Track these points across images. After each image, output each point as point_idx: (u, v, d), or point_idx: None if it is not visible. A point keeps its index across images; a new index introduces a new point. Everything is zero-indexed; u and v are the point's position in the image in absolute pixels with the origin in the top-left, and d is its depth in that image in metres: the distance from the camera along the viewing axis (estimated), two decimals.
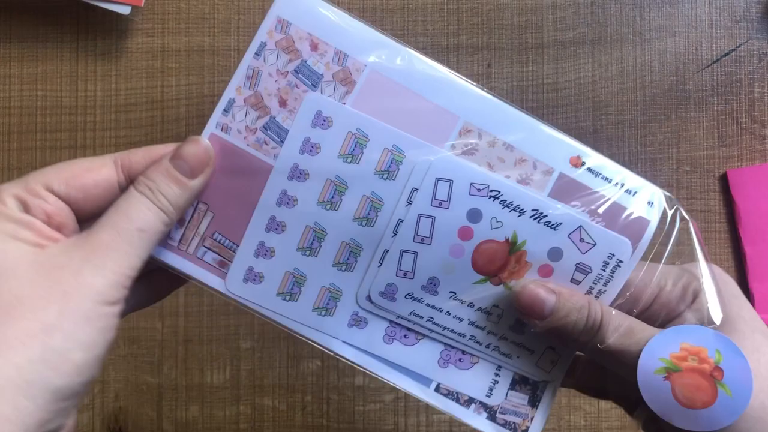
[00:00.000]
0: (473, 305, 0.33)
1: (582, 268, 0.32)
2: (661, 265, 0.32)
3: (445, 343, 0.33)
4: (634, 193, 0.32)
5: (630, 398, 0.33)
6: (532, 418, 0.34)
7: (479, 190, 0.32)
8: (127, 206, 0.28)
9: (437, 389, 0.33)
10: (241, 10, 0.49)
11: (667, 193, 0.33)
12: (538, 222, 0.32)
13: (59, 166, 0.30)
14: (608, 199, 0.32)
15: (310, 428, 0.48)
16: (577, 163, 0.32)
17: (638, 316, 0.32)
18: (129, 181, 0.30)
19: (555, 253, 0.32)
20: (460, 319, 0.33)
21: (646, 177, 0.33)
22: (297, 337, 0.33)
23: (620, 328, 0.31)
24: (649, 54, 0.49)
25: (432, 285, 0.33)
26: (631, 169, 0.33)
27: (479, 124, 0.32)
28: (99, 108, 0.48)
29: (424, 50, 0.36)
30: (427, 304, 0.33)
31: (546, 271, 0.32)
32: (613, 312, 0.31)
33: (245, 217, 0.32)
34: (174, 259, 0.32)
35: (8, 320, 0.25)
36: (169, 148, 0.30)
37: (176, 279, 0.33)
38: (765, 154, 0.49)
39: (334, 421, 0.48)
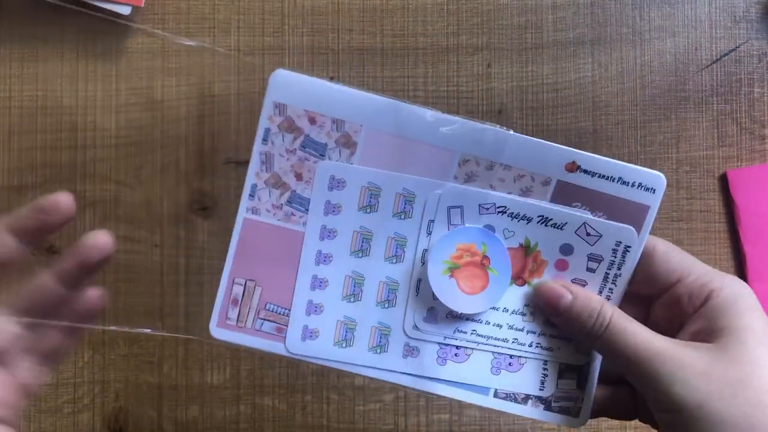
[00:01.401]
0: (507, 309, 0.37)
1: (594, 258, 0.36)
2: (691, 257, 0.35)
3: (492, 352, 0.37)
4: (632, 184, 0.35)
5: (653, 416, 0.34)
6: (582, 399, 0.37)
7: (487, 208, 0.36)
8: None
9: (496, 395, 0.37)
10: (242, 10, 0.49)
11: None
12: (545, 225, 0.36)
13: None
14: (607, 194, 0.35)
15: (311, 428, 0.48)
16: (573, 167, 0.35)
17: (653, 300, 0.35)
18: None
19: (566, 249, 0.36)
20: (500, 326, 0.36)
21: (647, 165, 0.35)
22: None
23: (622, 332, 0.33)
24: (649, 54, 0.49)
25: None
26: (630, 161, 0.35)
27: (475, 152, 0.35)
28: (99, 108, 0.48)
29: (415, 102, 0.36)
30: (468, 319, 0.36)
31: (562, 265, 0.36)
32: (622, 316, 0.34)
33: (290, 282, 0.36)
34: (235, 337, 0.36)
35: None
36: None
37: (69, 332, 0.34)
38: (765, 154, 0.49)
39: (334, 421, 0.48)
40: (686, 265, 0.35)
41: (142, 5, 0.47)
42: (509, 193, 0.36)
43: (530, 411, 0.37)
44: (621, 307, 0.36)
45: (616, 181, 0.35)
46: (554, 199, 0.36)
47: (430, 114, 0.35)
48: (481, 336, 0.37)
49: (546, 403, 0.37)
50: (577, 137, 0.49)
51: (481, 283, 0.36)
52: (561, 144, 0.49)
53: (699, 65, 0.49)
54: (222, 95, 0.49)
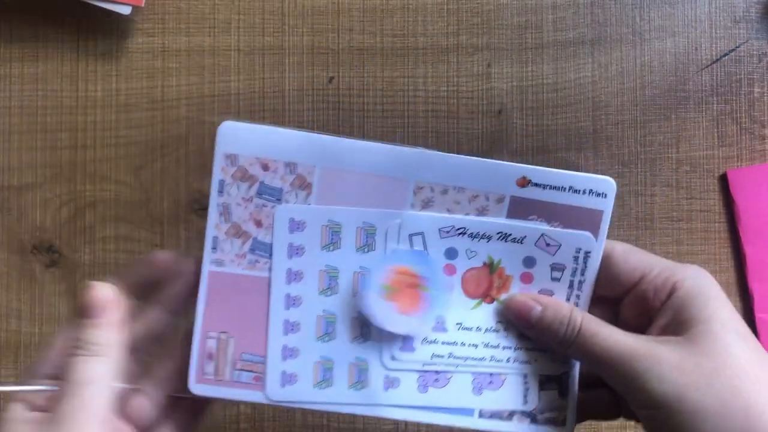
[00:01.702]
0: (480, 328, 0.37)
1: (557, 267, 0.36)
2: (651, 255, 0.36)
3: (471, 372, 0.36)
4: (583, 192, 0.36)
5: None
6: (566, 407, 0.37)
7: (447, 231, 0.36)
8: (71, 370, 0.32)
9: (481, 415, 0.36)
10: (242, 10, 0.49)
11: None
12: (505, 241, 0.36)
13: None
14: (560, 204, 0.36)
15: (311, 428, 0.48)
16: (524, 182, 0.36)
17: (621, 301, 0.36)
18: None
19: (529, 261, 0.36)
20: (475, 346, 0.36)
21: (595, 172, 0.37)
22: None
23: (594, 336, 0.33)
24: (649, 54, 0.49)
25: (440, 324, 0.36)
26: (581, 169, 0.38)
27: (428, 179, 0.36)
28: (100, 108, 0.49)
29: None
30: (443, 342, 0.36)
31: (527, 278, 0.37)
32: (592, 320, 0.34)
33: (262, 329, 0.36)
34: (214, 390, 0.36)
35: None
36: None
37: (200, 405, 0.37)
38: (765, 154, 0.49)
39: (334, 421, 0.48)
40: (648, 261, 0.35)
41: (143, 5, 0.47)
42: (466, 214, 0.36)
43: (516, 427, 0.37)
44: (590, 310, 0.36)
45: (567, 190, 0.36)
46: (511, 215, 0.36)
47: (378, 147, 0.35)
48: (459, 358, 0.36)
49: (531, 417, 0.37)
50: (577, 137, 0.49)
51: (420, 304, 0.36)
52: (562, 144, 0.49)
53: (699, 65, 0.49)
54: (222, 95, 0.49)
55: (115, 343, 0.33)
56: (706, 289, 0.34)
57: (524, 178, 0.36)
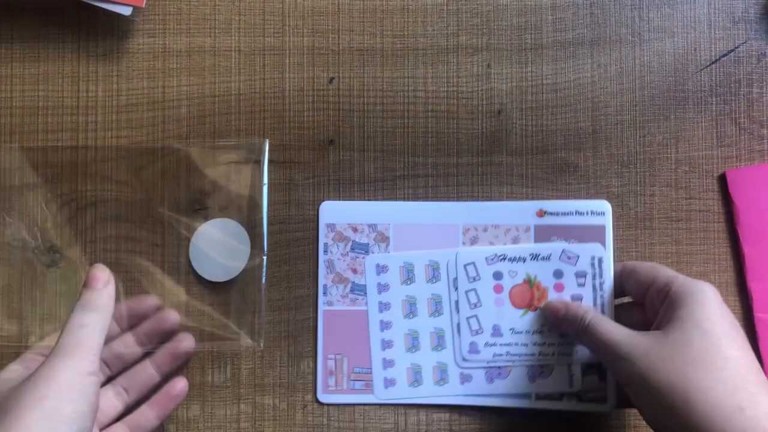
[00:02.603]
0: (528, 331, 0.47)
1: (580, 274, 0.47)
2: (669, 269, 0.43)
3: (526, 366, 0.47)
4: (587, 213, 0.47)
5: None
6: (605, 388, 0.47)
7: (492, 259, 0.47)
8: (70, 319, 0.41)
9: (536, 398, 0.47)
10: (242, 11, 0.49)
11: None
12: (537, 261, 0.47)
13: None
14: (572, 225, 0.47)
15: (311, 427, 0.48)
16: (541, 214, 0.47)
17: (636, 304, 0.45)
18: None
19: (558, 273, 0.47)
20: (526, 345, 0.47)
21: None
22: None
23: (596, 328, 0.42)
24: (648, 55, 0.49)
25: (496, 330, 0.47)
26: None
27: (472, 222, 0.48)
28: (101, 108, 0.49)
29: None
30: (501, 344, 0.47)
31: (559, 287, 0.47)
32: (597, 317, 0.43)
33: (366, 348, 0.48)
34: (337, 398, 0.48)
35: (19, 403, 0.36)
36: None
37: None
38: (763, 154, 0.49)
39: (334, 420, 0.48)
40: (659, 272, 0.43)
41: (143, 6, 0.47)
42: (504, 244, 0.47)
43: (566, 405, 0.47)
44: (625, 312, 0.46)
45: (574, 214, 0.47)
46: (537, 240, 0.47)
47: (432, 204, 0.48)
48: (514, 355, 0.47)
49: (578, 397, 0.47)
50: (577, 137, 0.49)
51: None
52: (561, 144, 0.49)
53: (698, 66, 0.49)
54: (223, 96, 0.49)
55: (106, 306, 0.41)
56: (690, 294, 0.40)
57: (541, 210, 0.47)
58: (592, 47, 0.49)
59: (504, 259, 0.47)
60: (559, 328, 0.46)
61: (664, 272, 0.42)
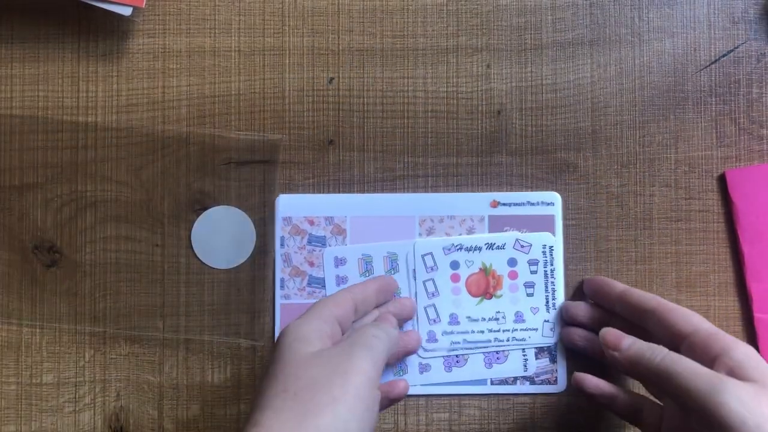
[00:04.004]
0: (485, 318, 0.48)
1: (533, 262, 0.48)
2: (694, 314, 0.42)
3: (482, 352, 0.48)
4: (537, 203, 0.48)
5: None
6: (556, 370, 0.48)
7: (449, 249, 0.48)
8: (365, 328, 0.41)
9: (491, 383, 0.48)
10: (242, 11, 0.49)
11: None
12: (492, 250, 0.48)
13: (328, 305, 0.42)
14: (524, 215, 0.48)
15: None
16: (495, 204, 0.49)
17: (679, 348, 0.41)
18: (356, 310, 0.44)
19: (512, 261, 0.48)
20: (482, 332, 0.48)
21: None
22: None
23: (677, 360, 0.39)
24: (648, 55, 0.49)
25: (453, 319, 0.48)
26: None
27: (427, 213, 0.49)
28: (100, 108, 0.49)
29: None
30: (458, 332, 0.48)
31: (513, 275, 0.48)
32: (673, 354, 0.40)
33: None
34: None
35: (310, 394, 0.35)
36: (373, 284, 0.46)
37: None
38: (763, 154, 0.49)
39: None
40: (691, 321, 0.41)
41: (143, 6, 0.47)
42: (459, 234, 0.48)
43: (520, 388, 0.48)
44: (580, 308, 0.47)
45: (526, 204, 0.48)
46: (491, 230, 0.48)
47: (388, 196, 0.49)
48: (470, 342, 0.48)
49: (531, 380, 0.48)
50: (576, 138, 0.49)
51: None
52: (561, 144, 0.49)
53: (698, 66, 0.49)
54: (223, 96, 0.49)
55: (395, 335, 0.42)
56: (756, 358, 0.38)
57: (495, 201, 0.48)
58: (592, 47, 0.49)
59: (460, 248, 0.48)
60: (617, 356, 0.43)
61: (703, 325, 0.41)
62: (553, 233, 0.48)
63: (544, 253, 0.48)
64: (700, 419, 0.37)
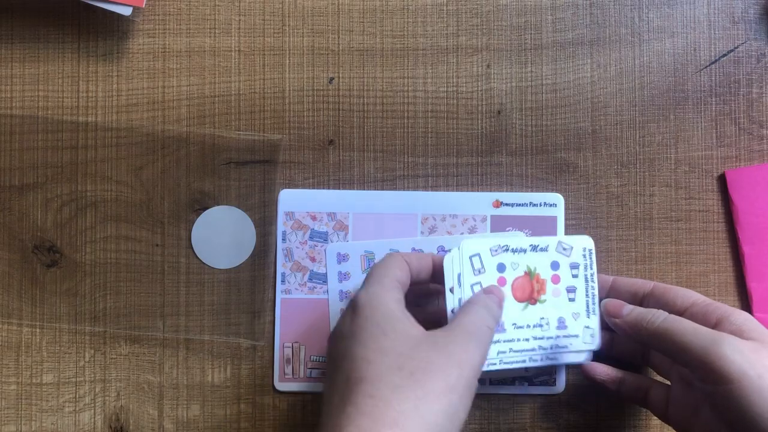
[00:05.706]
0: (529, 325, 0.45)
1: (574, 266, 0.46)
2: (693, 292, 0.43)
3: (532, 366, 0.45)
4: (540, 204, 0.48)
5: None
6: (555, 372, 0.48)
7: (496, 250, 0.45)
8: (476, 313, 0.41)
9: (490, 383, 0.48)
10: (242, 11, 0.49)
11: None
12: (536, 252, 0.45)
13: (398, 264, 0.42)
14: (526, 216, 0.48)
15: (311, 427, 0.48)
16: (498, 204, 0.48)
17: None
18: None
19: (554, 265, 0.45)
20: (527, 339, 0.45)
21: (542, 189, 0.49)
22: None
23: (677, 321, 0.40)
24: (648, 55, 0.49)
25: (500, 326, 0.44)
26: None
27: (430, 211, 0.48)
28: (100, 108, 0.49)
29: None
30: (504, 341, 0.44)
31: (555, 278, 0.45)
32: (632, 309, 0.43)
33: (325, 337, 0.46)
34: (295, 386, 0.48)
35: (428, 377, 0.36)
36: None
37: None
38: (763, 154, 0.49)
39: None
40: (689, 296, 0.43)
41: (143, 6, 0.47)
42: (461, 233, 0.48)
43: (519, 389, 0.48)
44: None
45: (529, 205, 0.48)
46: (493, 229, 0.48)
47: (390, 193, 0.48)
48: (517, 352, 0.45)
49: (529, 381, 0.48)
50: (576, 137, 0.49)
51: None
52: (561, 144, 0.49)
53: (698, 66, 0.49)
54: (223, 96, 0.49)
55: (497, 322, 0.42)
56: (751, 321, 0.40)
57: (497, 201, 0.48)
58: (592, 47, 0.49)
59: (507, 249, 0.45)
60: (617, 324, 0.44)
61: (698, 297, 0.43)
62: (555, 234, 0.48)
63: (584, 256, 0.46)
64: (702, 377, 0.37)
